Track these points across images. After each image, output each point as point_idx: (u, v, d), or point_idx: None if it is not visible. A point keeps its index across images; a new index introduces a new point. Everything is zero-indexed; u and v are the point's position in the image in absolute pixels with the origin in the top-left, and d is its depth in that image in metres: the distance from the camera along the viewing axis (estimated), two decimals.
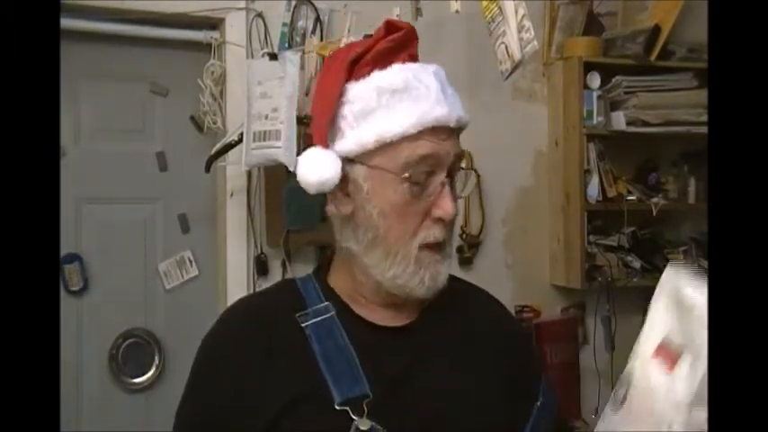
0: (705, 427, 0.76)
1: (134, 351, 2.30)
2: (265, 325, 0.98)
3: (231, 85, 2.25)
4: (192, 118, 2.35)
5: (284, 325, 0.96)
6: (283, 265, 2.32)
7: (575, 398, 2.58)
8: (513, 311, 2.52)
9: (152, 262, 2.35)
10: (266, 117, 2.01)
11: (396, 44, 0.97)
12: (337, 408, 0.89)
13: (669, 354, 0.82)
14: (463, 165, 1.00)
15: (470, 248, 2.52)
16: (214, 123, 2.24)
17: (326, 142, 0.96)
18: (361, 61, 0.97)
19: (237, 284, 2.28)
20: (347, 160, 0.95)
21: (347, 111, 0.95)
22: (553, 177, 2.63)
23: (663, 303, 0.86)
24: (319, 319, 0.96)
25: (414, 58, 0.99)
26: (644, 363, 0.85)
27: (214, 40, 2.27)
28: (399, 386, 0.93)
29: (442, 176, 0.95)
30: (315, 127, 0.99)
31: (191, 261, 2.37)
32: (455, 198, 0.97)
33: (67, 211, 2.20)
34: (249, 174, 2.25)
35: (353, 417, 0.88)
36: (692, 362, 0.80)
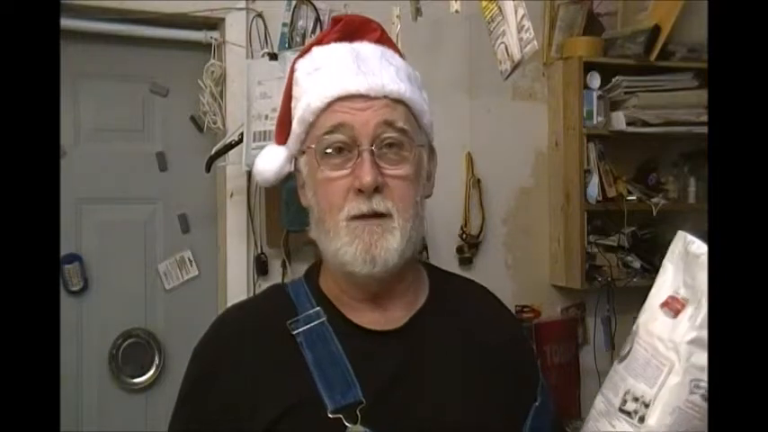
0: (705, 371, 0.79)
1: (134, 351, 2.30)
2: (257, 335, 0.97)
3: (231, 85, 2.25)
4: (192, 118, 2.35)
5: (275, 333, 0.95)
6: (283, 265, 2.32)
7: (575, 398, 2.58)
8: (513, 311, 2.52)
9: (152, 262, 2.35)
10: (266, 117, 2.01)
11: (341, 34, 0.99)
12: (330, 415, 0.88)
13: (675, 303, 0.85)
14: (424, 142, 0.99)
15: (470, 248, 2.52)
16: (214, 123, 2.24)
17: (283, 141, 1.03)
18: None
19: (237, 284, 2.28)
20: (300, 153, 0.99)
21: (293, 106, 1.00)
22: (553, 177, 2.63)
23: (672, 264, 0.89)
24: (310, 325, 0.95)
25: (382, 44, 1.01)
26: (651, 313, 0.87)
27: (214, 40, 2.27)
28: (392, 391, 0.92)
29: (362, 147, 0.92)
30: (275, 128, 1.05)
31: (191, 261, 2.37)
32: (386, 168, 0.92)
33: (67, 211, 2.20)
34: (249, 174, 2.25)
35: (347, 424, 0.87)
36: (696, 307, 0.83)
